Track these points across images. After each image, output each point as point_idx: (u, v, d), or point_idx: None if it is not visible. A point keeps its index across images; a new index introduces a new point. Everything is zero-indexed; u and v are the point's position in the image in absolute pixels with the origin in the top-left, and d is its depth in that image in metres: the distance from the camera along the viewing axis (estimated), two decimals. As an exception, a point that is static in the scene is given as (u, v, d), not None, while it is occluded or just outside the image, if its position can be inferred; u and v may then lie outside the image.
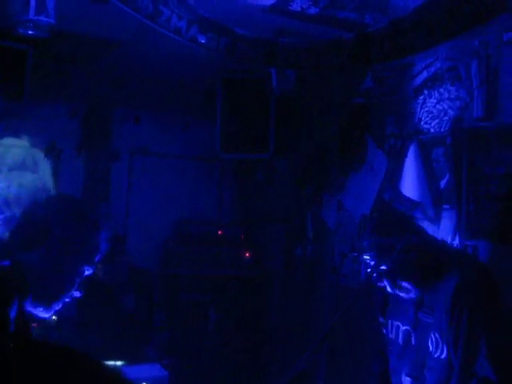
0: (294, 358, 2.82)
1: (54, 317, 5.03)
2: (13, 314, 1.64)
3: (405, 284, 2.86)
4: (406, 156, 4.91)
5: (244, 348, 5.96)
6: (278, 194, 6.53)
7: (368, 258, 2.87)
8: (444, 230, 4.61)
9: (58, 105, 6.22)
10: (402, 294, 2.91)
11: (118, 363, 3.97)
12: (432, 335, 2.80)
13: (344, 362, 5.11)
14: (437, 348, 2.78)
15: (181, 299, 6.03)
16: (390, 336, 3.06)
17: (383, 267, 2.85)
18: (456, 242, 4.49)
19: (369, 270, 2.88)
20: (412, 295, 2.90)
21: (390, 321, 3.07)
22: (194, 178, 6.89)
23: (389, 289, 2.88)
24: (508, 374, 2.64)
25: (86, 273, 2.46)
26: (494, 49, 4.35)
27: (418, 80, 4.95)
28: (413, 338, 2.94)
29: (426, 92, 4.89)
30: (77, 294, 2.47)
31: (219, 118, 6.11)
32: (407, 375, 2.95)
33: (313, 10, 4.59)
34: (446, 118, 4.71)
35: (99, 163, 6.41)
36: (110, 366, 3.23)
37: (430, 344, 2.81)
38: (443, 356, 2.75)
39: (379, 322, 3.12)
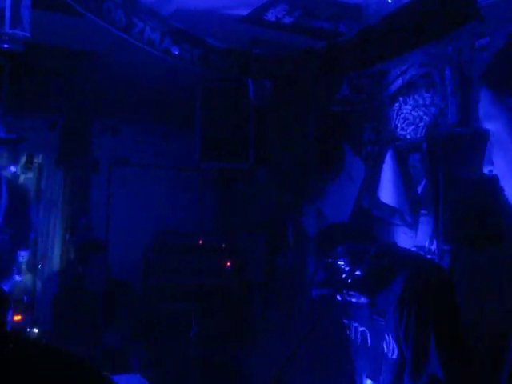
0: (276, 367, 2.83)
1: (34, 330, 5.03)
2: None
3: (352, 292, 2.89)
4: (383, 162, 4.95)
5: (225, 357, 5.96)
6: (259, 202, 6.55)
7: (342, 263, 2.90)
8: (422, 236, 4.65)
9: (36, 117, 6.21)
10: (352, 300, 2.93)
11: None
12: (385, 336, 2.83)
13: (323, 366, 5.14)
14: (389, 349, 2.82)
15: (163, 309, 6.02)
16: (352, 337, 3.10)
17: (357, 272, 2.88)
18: (433, 246, 4.53)
19: (343, 275, 2.91)
20: (363, 300, 2.93)
21: (352, 322, 3.10)
22: (175, 187, 6.89)
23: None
24: (455, 371, 2.66)
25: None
26: (467, 55, 4.40)
27: (394, 87, 4.99)
28: (369, 340, 2.97)
29: (401, 99, 4.94)
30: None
31: (199, 127, 6.12)
32: (367, 377, 2.99)
33: (288, 20, 4.64)
34: (421, 124, 4.76)
35: (79, 175, 6.40)
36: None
37: (384, 345, 2.84)
38: (395, 356, 2.78)
39: (343, 324, 3.16)
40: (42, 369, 1.10)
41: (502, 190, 3.84)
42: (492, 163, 4.02)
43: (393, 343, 2.80)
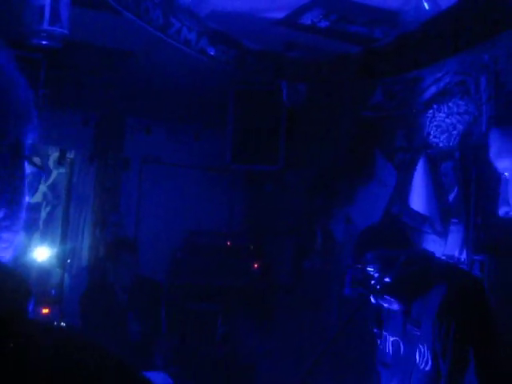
0: (301, 370, 2.83)
1: (62, 323, 5.08)
2: None
3: (386, 296, 2.87)
4: (414, 170, 4.92)
5: (250, 359, 5.97)
6: (288, 205, 6.55)
7: (372, 269, 2.89)
8: (451, 244, 4.62)
9: (71, 113, 6.28)
10: (385, 304, 2.91)
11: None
12: (420, 347, 2.81)
13: (348, 373, 5.12)
14: (422, 360, 2.79)
15: (189, 309, 6.04)
16: (381, 347, 3.07)
17: (387, 279, 2.86)
18: (463, 256, 4.50)
19: (372, 281, 2.90)
20: (395, 307, 2.91)
21: (383, 332, 3.08)
22: (205, 188, 6.91)
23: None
24: None
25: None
26: (504, 63, 4.36)
27: (428, 94, 4.96)
28: (401, 350, 2.95)
29: (435, 106, 4.91)
30: None
31: (230, 128, 6.15)
32: None
33: (323, 24, 4.63)
34: (454, 132, 4.73)
35: (110, 172, 6.46)
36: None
37: (417, 356, 2.82)
38: (428, 368, 2.76)
39: (373, 332, 3.14)
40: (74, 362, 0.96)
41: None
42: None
43: (427, 355, 2.77)
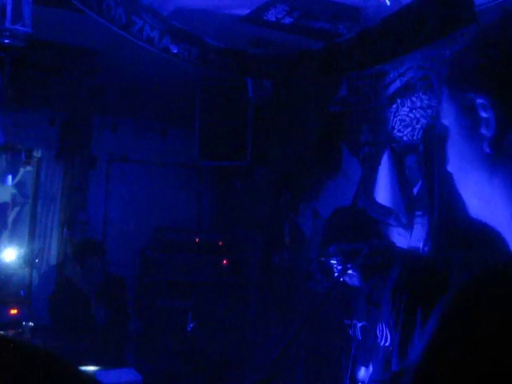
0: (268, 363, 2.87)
1: (30, 323, 5.06)
2: None
3: (351, 271, 2.94)
4: (379, 163, 4.98)
5: (220, 354, 5.99)
6: (256, 201, 6.58)
7: (335, 262, 2.94)
8: (416, 237, 4.69)
9: (37, 112, 6.24)
10: (347, 280, 2.99)
11: (93, 368, 4.00)
12: (379, 325, 2.89)
13: (318, 362, 5.17)
14: (382, 337, 2.87)
15: (158, 306, 6.05)
16: (353, 335, 3.15)
17: (350, 271, 2.92)
18: (427, 247, 4.57)
19: (336, 274, 2.95)
20: (356, 283, 2.99)
21: (353, 320, 3.15)
22: (173, 185, 6.91)
23: (336, 273, 2.95)
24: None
25: None
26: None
27: (392, 89, 5.02)
28: (365, 331, 3.03)
29: (399, 101, 4.97)
30: None
31: (197, 125, 6.15)
32: (360, 364, 3.05)
33: (287, 20, 4.66)
34: (418, 126, 4.79)
35: (77, 170, 6.43)
36: (85, 371, 3.25)
37: (377, 333, 2.90)
38: (387, 344, 2.84)
39: (345, 323, 3.20)
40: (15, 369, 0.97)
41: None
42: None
43: (386, 331, 2.85)
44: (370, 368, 2.98)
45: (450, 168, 1.10)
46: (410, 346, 2.71)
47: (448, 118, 1.08)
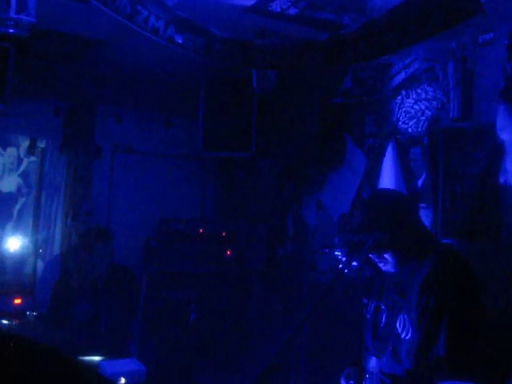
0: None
1: (34, 313, 5.07)
2: None
3: (387, 255, 2.95)
4: (384, 155, 4.97)
5: (224, 344, 6.01)
6: (260, 192, 6.58)
7: (339, 254, 2.94)
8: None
9: (41, 102, 6.23)
10: (381, 265, 2.99)
11: (96, 358, 4.01)
12: (401, 317, 2.89)
13: (322, 351, 5.19)
14: (403, 329, 2.87)
15: (162, 296, 6.06)
16: (368, 316, 3.16)
17: (354, 263, 2.91)
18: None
19: (340, 265, 2.95)
20: (390, 269, 2.99)
21: (371, 302, 3.16)
22: (177, 176, 6.90)
23: (373, 258, 2.97)
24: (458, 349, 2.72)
25: None
26: (470, 50, 4.42)
27: (397, 80, 5.01)
28: (384, 319, 3.03)
29: (403, 92, 4.96)
30: None
31: (202, 116, 6.14)
32: (373, 354, 3.05)
33: (292, 11, 4.64)
34: (423, 118, 4.78)
35: (81, 160, 6.42)
36: (86, 361, 3.27)
37: (397, 325, 2.90)
38: (408, 337, 2.84)
39: (362, 303, 3.21)
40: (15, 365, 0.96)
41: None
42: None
43: (408, 324, 2.85)
44: (383, 359, 2.97)
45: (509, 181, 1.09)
46: (432, 349, 2.71)
47: (506, 133, 1.07)
